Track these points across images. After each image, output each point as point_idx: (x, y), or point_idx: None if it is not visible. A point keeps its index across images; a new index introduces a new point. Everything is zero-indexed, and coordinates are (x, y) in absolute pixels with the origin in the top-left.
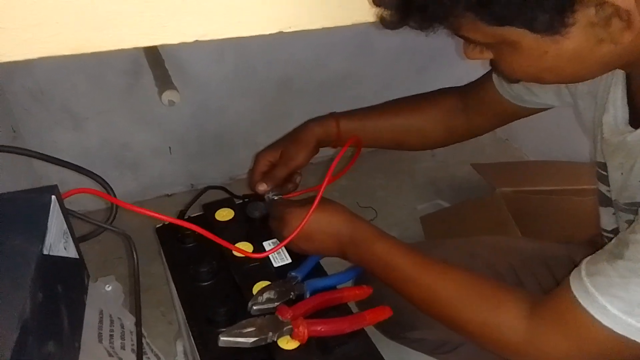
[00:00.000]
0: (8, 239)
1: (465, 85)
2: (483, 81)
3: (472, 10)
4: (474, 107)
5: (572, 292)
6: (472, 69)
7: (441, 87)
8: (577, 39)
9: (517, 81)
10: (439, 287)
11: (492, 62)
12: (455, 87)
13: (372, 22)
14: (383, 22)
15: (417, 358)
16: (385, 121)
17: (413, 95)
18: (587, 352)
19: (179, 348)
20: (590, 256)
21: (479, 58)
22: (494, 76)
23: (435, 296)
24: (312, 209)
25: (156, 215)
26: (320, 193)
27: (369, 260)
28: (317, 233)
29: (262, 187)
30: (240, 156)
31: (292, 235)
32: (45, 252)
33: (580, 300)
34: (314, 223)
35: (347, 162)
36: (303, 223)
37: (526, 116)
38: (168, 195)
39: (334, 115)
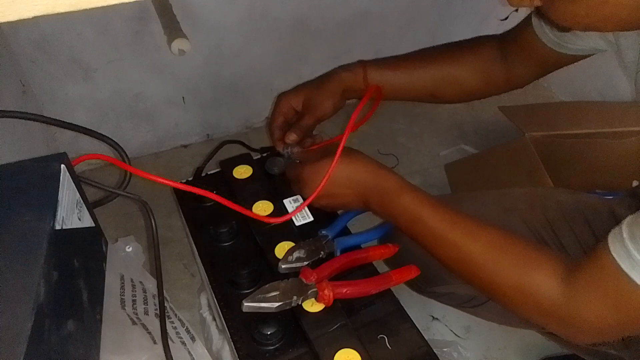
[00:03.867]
0: (18, 215)
1: (503, 32)
2: (522, 28)
3: None
4: (514, 56)
5: (612, 254)
6: (497, 3)
7: (480, 35)
8: None
9: (568, 30)
10: (469, 245)
11: (540, 10)
12: (493, 35)
13: None
14: None
15: (445, 311)
16: (418, 70)
17: (448, 43)
18: (626, 318)
19: (203, 301)
20: (631, 216)
21: (526, 6)
22: (534, 21)
23: (465, 255)
24: (334, 163)
25: (170, 183)
26: (342, 144)
27: (394, 213)
28: (338, 186)
29: (292, 137)
30: (257, 103)
31: (314, 195)
32: (57, 227)
33: (621, 264)
34: (335, 176)
35: (367, 111)
36: (325, 179)
37: (569, 64)
38: (184, 146)
39: (362, 63)
